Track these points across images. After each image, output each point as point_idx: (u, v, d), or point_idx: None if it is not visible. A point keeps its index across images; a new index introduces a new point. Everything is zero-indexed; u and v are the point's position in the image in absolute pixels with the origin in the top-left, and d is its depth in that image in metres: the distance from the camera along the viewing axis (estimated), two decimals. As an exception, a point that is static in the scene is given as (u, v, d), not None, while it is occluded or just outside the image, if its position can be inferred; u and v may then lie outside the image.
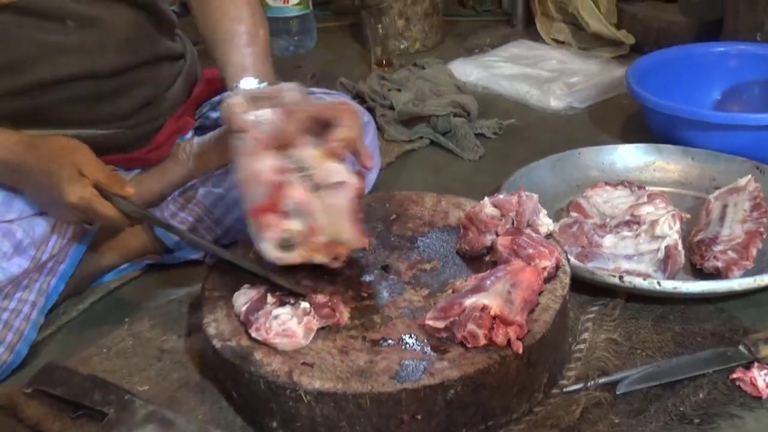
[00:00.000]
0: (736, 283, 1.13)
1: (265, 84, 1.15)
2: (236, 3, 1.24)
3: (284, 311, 0.99)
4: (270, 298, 1.02)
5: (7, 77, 1.19)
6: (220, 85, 1.51)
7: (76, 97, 1.23)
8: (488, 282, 1.00)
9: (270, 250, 1.05)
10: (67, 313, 1.31)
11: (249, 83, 1.15)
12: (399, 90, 1.91)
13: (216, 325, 1.03)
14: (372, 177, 1.52)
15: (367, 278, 1.12)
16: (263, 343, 0.98)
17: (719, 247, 1.22)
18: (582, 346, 1.11)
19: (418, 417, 0.92)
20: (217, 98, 1.50)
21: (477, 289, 0.98)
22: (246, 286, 1.07)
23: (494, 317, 0.94)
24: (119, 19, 1.27)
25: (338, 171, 1.06)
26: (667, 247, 1.21)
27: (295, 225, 1.04)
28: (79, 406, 1.04)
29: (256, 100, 1.09)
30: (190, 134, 1.46)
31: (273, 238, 1.04)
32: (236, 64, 1.19)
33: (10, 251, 1.16)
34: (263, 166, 1.04)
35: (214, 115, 1.50)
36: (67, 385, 1.05)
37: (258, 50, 1.20)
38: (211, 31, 1.24)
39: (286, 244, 1.05)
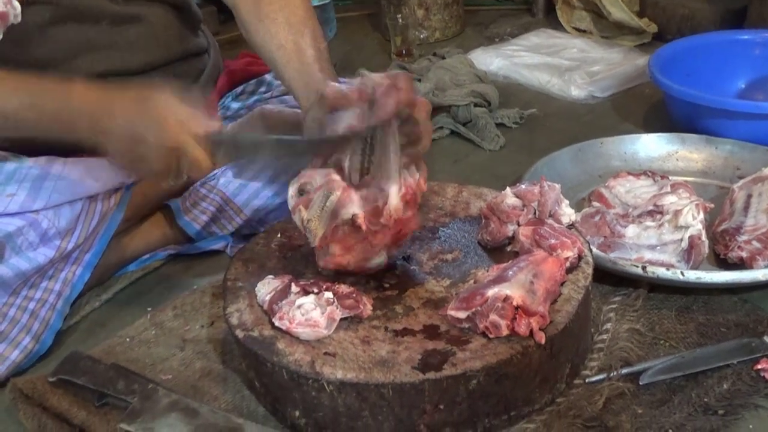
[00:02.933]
0: (761, 274, 1.12)
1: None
2: (297, 9, 1.22)
3: (308, 301, 0.99)
4: (294, 288, 1.02)
5: (41, 73, 1.20)
6: (241, 77, 1.53)
7: None
8: (510, 272, 0.99)
9: (290, 195, 1.06)
10: (91, 303, 1.32)
11: None
12: (419, 80, 1.90)
13: (239, 315, 1.04)
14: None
15: (389, 269, 1.12)
16: (286, 333, 0.99)
17: (743, 237, 1.21)
18: (604, 336, 1.11)
19: (441, 407, 0.92)
20: (238, 89, 1.51)
21: (499, 280, 0.98)
22: (269, 276, 1.07)
23: (516, 308, 0.94)
24: (152, 17, 1.29)
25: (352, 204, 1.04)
26: (690, 237, 1.20)
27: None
28: (103, 395, 1.05)
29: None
30: (212, 125, 1.46)
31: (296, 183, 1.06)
32: (310, 82, 1.16)
33: (36, 241, 1.18)
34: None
35: (236, 105, 1.50)
36: (91, 374, 1.06)
37: (326, 65, 1.18)
38: (275, 47, 1.20)
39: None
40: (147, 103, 1.05)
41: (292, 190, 1.07)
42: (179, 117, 1.04)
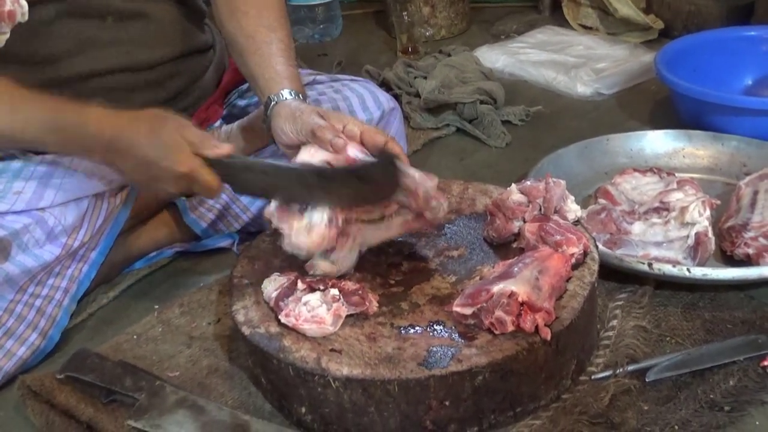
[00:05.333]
0: (767, 270, 1.12)
1: (299, 98, 1.17)
2: (271, 10, 1.25)
3: (314, 297, 0.99)
4: (300, 285, 1.03)
5: (46, 69, 1.21)
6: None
7: (112, 89, 1.25)
8: (516, 268, 0.99)
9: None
10: (98, 300, 1.32)
11: (287, 95, 1.16)
12: (425, 77, 1.90)
13: (245, 312, 1.04)
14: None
15: (395, 265, 1.12)
16: (292, 330, 0.99)
17: (750, 234, 1.21)
18: (610, 333, 1.11)
19: (446, 403, 0.92)
20: (244, 86, 1.51)
21: (504, 276, 0.98)
22: (276, 273, 1.07)
23: (522, 304, 0.94)
24: (157, 13, 1.29)
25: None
26: (697, 234, 1.20)
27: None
28: (111, 392, 1.05)
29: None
30: (218, 123, 1.46)
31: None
32: (272, 76, 1.19)
33: (43, 238, 1.18)
34: None
35: (242, 103, 1.51)
36: (99, 371, 1.07)
37: (292, 62, 1.22)
38: (244, 37, 1.24)
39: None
40: (160, 128, 1.09)
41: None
42: (191, 141, 1.07)
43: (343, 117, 1.13)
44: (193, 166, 1.07)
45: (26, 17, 0.82)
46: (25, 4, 0.81)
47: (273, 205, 1.05)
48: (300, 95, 1.17)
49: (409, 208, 1.08)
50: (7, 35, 0.81)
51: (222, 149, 1.08)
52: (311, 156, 1.08)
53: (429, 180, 1.07)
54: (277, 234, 1.16)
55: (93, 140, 1.10)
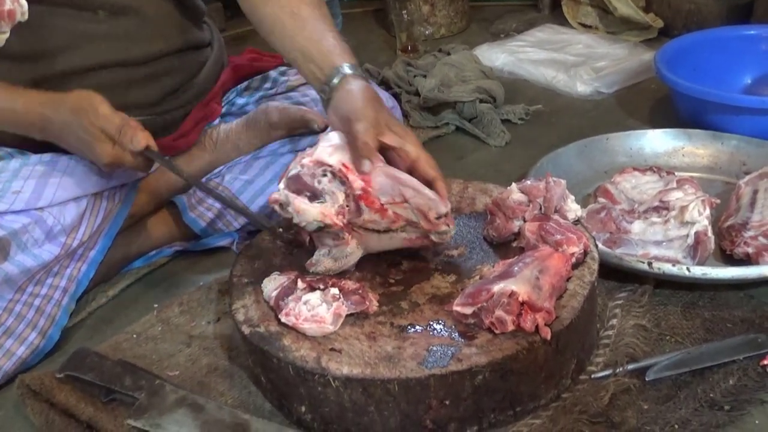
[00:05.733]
0: (767, 269, 1.12)
1: (358, 71, 1.15)
2: None
3: (314, 296, 0.99)
4: (300, 284, 1.02)
5: (39, 65, 1.21)
6: (246, 72, 1.53)
7: (106, 84, 1.24)
8: (516, 268, 0.99)
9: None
10: (97, 299, 1.32)
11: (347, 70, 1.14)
12: (424, 76, 1.90)
13: (245, 311, 1.04)
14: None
15: (394, 264, 1.12)
16: (292, 329, 0.99)
17: (750, 233, 1.21)
18: (610, 332, 1.11)
19: (446, 402, 0.92)
20: (243, 85, 1.51)
21: (505, 275, 0.98)
22: (275, 272, 1.07)
23: (522, 303, 0.94)
24: (150, 9, 1.29)
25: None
26: (696, 233, 1.20)
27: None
28: (110, 391, 1.05)
29: None
30: (217, 121, 1.46)
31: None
32: (330, 49, 1.17)
33: (42, 238, 1.18)
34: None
35: (241, 101, 1.50)
36: (98, 370, 1.07)
37: (340, 36, 1.20)
38: (287, 15, 1.21)
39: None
40: (80, 118, 1.14)
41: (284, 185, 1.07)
42: (110, 134, 1.14)
43: (405, 133, 1.10)
44: (116, 156, 1.15)
45: (26, 16, 0.81)
46: (25, 3, 0.81)
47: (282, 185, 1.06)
48: (359, 69, 1.15)
49: (416, 226, 1.08)
50: (7, 35, 0.81)
51: (137, 145, 1.15)
52: (328, 153, 1.06)
53: (443, 206, 1.06)
54: (275, 232, 1.16)
55: (25, 121, 1.17)
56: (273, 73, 1.51)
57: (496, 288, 0.95)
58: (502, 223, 1.13)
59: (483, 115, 1.78)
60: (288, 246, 1.16)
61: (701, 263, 1.19)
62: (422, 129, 1.82)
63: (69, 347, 1.21)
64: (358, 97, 1.09)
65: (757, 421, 0.97)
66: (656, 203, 1.27)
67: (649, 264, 1.14)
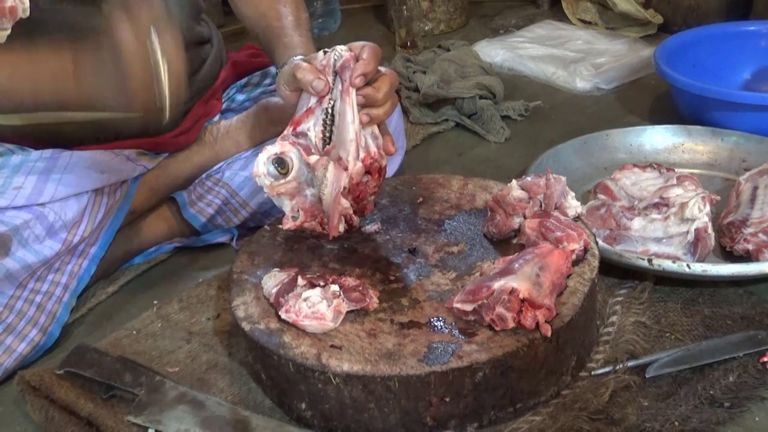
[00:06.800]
0: (767, 266, 1.12)
1: None
2: None
3: (314, 293, 0.99)
4: (300, 280, 1.02)
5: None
6: (245, 69, 1.53)
7: None
8: (516, 265, 0.99)
9: (261, 162, 1.08)
10: (97, 295, 1.32)
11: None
12: (424, 72, 1.90)
13: (245, 308, 1.04)
14: (398, 160, 1.52)
15: (395, 261, 1.12)
16: (292, 326, 0.99)
17: (749, 230, 1.21)
18: (610, 329, 1.11)
19: (447, 399, 0.92)
20: (242, 81, 1.51)
21: (505, 272, 0.98)
22: (275, 268, 1.07)
23: (523, 300, 0.94)
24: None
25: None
26: (696, 230, 1.20)
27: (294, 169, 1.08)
28: (110, 388, 1.05)
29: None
30: (217, 117, 1.46)
31: (272, 152, 1.07)
32: (287, 46, 1.23)
33: (43, 234, 1.18)
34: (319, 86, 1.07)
35: (241, 97, 1.50)
36: (98, 366, 1.07)
37: (304, 32, 1.26)
38: (257, 17, 1.30)
39: (278, 166, 1.08)
40: None
41: (264, 159, 1.08)
42: None
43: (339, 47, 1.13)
44: None
45: (27, 13, 0.81)
46: (26, 0, 0.81)
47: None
48: None
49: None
50: (8, 31, 0.81)
51: None
52: (267, 151, 1.09)
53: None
54: (276, 228, 1.16)
55: None
56: (273, 69, 1.51)
57: (497, 285, 0.95)
58: (503, 220, 1.13)
59: (483, 111, 1.78)
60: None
61: (701, 260, 1.19)
62: (422, 125, 1.82)
63: (68, 343, 1.21)
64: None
65: (757, 418, 0.97)
66: (656, 200, 1.27)
67: (649, 261, 1.14)
